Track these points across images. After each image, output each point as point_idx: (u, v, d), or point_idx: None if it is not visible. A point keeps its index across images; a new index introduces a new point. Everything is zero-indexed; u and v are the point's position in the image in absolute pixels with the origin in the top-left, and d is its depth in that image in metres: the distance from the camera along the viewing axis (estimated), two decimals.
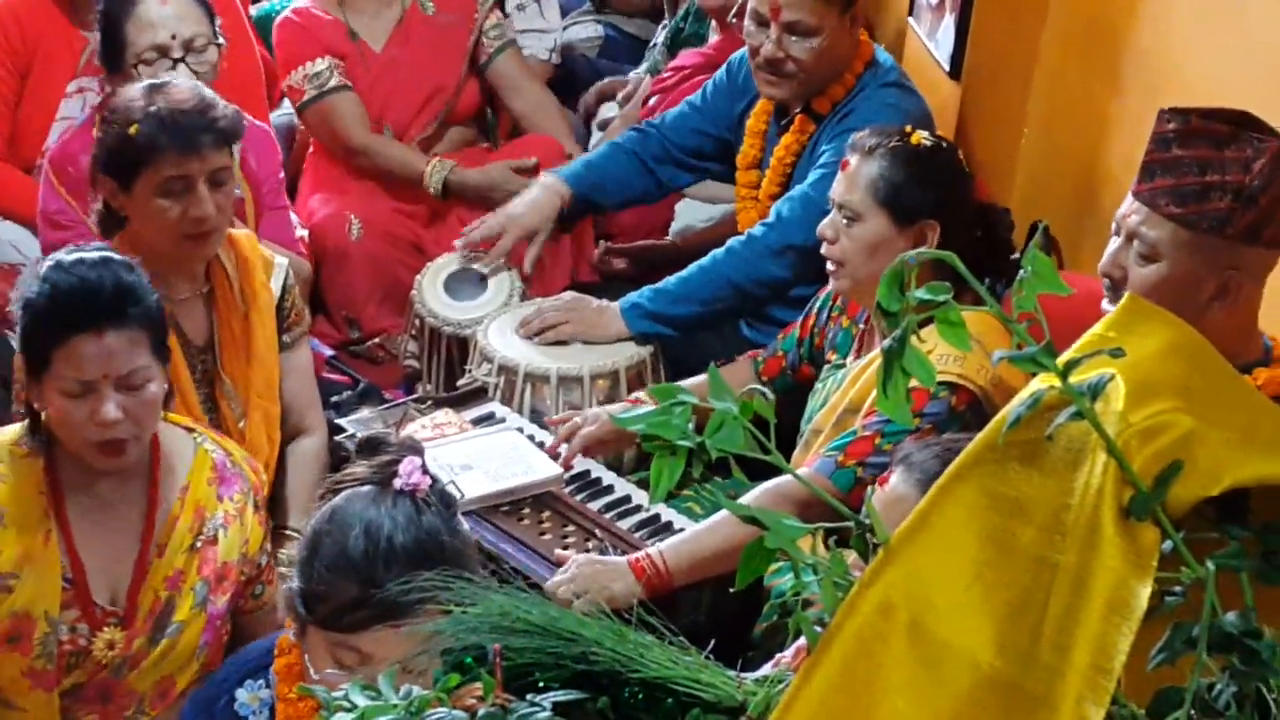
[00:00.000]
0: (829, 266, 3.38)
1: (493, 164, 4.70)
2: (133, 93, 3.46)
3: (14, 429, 3.02)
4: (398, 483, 2.45)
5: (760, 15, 3.90)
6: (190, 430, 3.13)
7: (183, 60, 3.90)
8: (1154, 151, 2.57)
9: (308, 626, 2.47)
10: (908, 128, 3.37)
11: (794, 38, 3.88)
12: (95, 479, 2.97)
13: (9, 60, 4.47)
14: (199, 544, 3.03)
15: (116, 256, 2.99)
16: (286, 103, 5.18)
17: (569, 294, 4.11)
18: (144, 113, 3.37)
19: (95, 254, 2.97)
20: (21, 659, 2.93)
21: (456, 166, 4.64)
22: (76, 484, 2.97)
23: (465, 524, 2.53)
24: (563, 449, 3.61)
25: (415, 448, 2.56)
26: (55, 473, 2.96)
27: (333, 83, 4.73)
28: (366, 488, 2.49)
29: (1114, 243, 2.66)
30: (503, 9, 4.96)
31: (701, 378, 3.65)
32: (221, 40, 4.03)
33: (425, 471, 2.48)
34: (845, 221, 3.32)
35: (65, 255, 2.96)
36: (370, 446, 2.60)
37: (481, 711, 1.60)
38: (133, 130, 3.35)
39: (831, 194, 3.37)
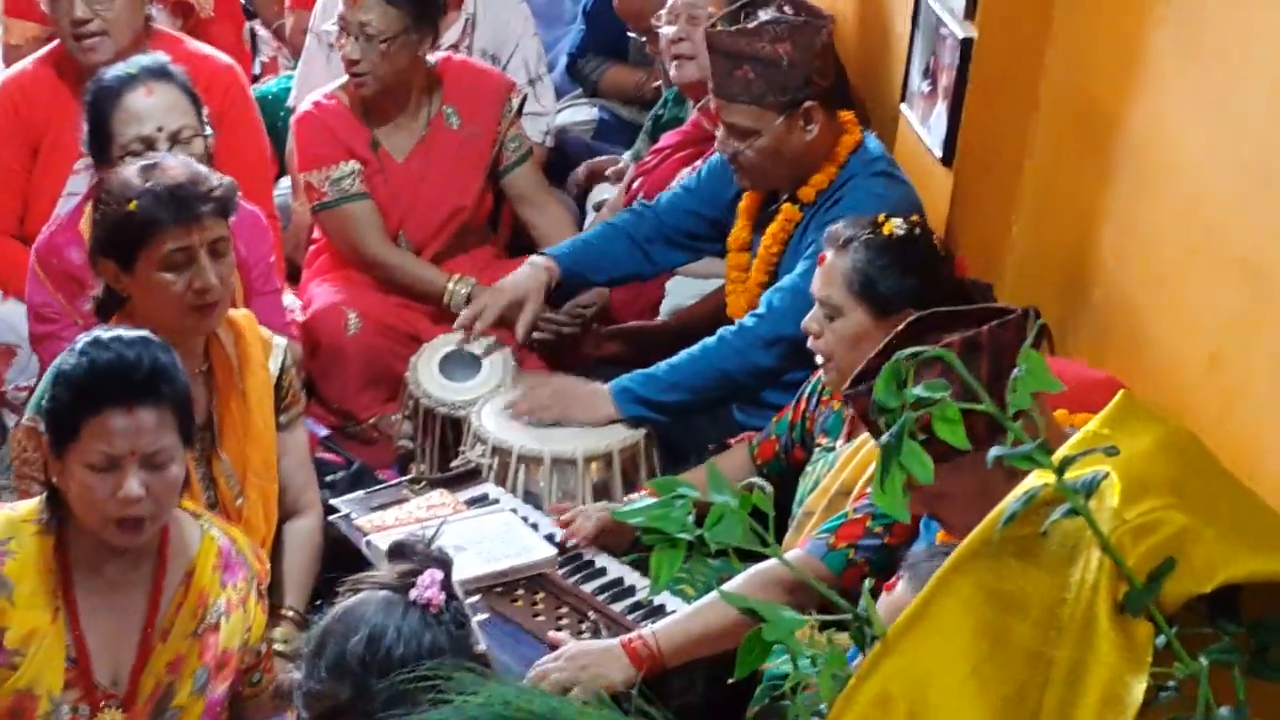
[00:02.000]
0: (817, 359, 3.40)
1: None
2: (126, 173, 3.49)
3: (29, 504, 3.02)
4: (413, 594, 2.43)
5: (714, 114, 3.96)
6: (197, 516, 3.14)
7: (169, 153, 3.91)
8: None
9: None
10: (880, 217, 3.37)
11: (734, 139, 3.92)
12: (104, 560, 2.97)
13: (19, 136, 4.50)
14: (201, 630, 3.03)
15: (154, 338, 3.02)
16: (285, 181, 5.20)
17: (557, 377, 4.13)
18: (141, 190, 3.40)
19: (132, 333, 3.00)
20: None
21: (478, 284, 4.59)
22: (86, 564, 2.97)
23: (476, 641, 2.50)
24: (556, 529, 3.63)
25: (443, 561, 2.52)
26: (66, 552, 2.96)
27: (354, 190, 4.70)
28: (383, 593, 2.48)
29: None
30: (519, 115, 4.96)
31: (701, 468, 3.67)
32: (209, 131, 4.02)
33: (445, 587, 2.46)
34: (827, 316, 3.34)
35: (103, 332, 2.99)
36: (398, 552, 2.57)
37: None
38: (132, 206, 3.38)
39: (812, 289, 3.39)
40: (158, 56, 4.10)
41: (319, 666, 2.43)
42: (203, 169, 3.52)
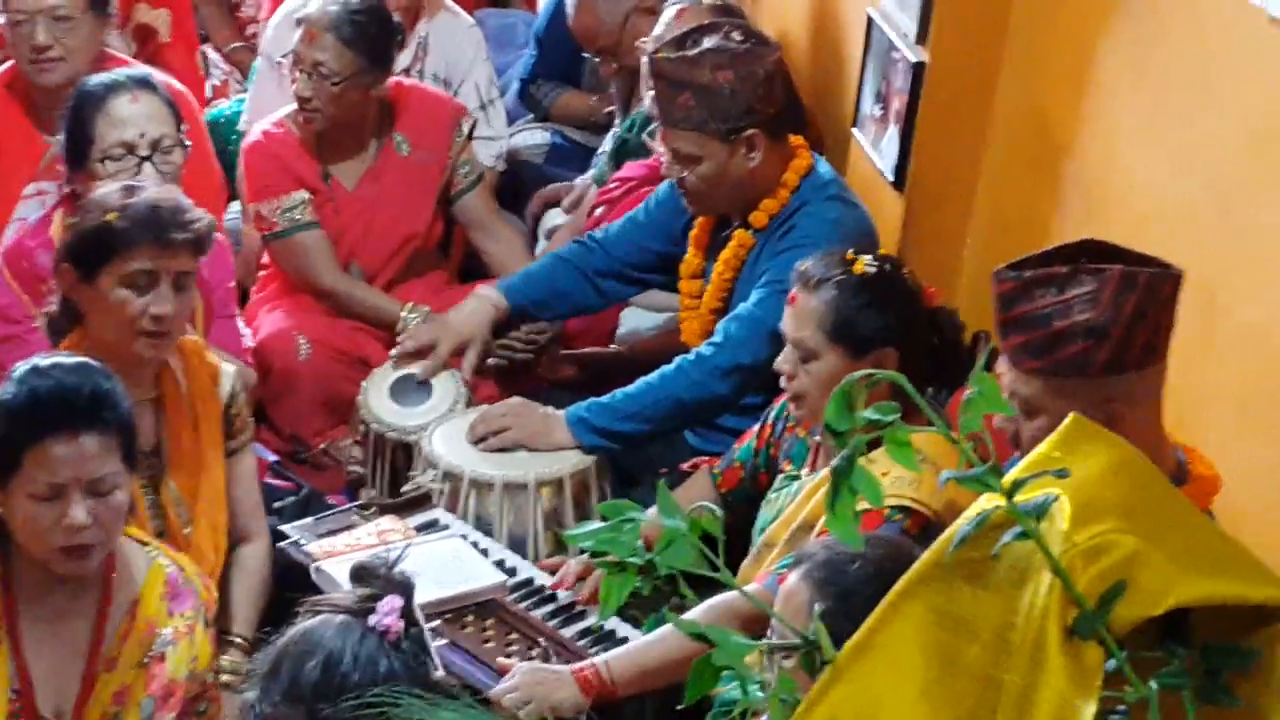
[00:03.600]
0: (789, 398, 3.38)
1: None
2: (110, 188, 3.51)
3: None
4: (372, 620, 2.42)
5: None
6: (144, 544, 3.11)
7: (149, 159, 3.91)
8: (1000, 312, 2.55)
9: None
10: (849, 254, 3.33)
11: (678, 165, 3.92)
12: (49, 589, 2.95)
13: None
14: (147, 660, 3.00)
15: (94, 363, 3.01)
16: (235, 205, 5.18)
17: (515, 399, 4.11)
18: (122, 204, 3.39)
19: (72, 360, 2.99)
20: None
21: (431, 312, 4.52)
22: (30, 593, 2.95)
23: (434, 666, 2.49)
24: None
25: (404, 585, 2.50)
26: (9, 581, 2.94)
27: (304, 219, 4.68)
28: (341, 616, 2.46)
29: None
30: (470, 140, 4.96)
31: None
32: (187, 143, 4.03)
33: (405, 614, 2.44)
34: (801, 359, 3.30)
35: (42, 360, 2.97)
36: (359, 575, 2.55)
37: None
38: (111, 217, 3.37)
39: (783, 328, 3.35)
40: (141, 68, 4.14)
41: (273, 690, 2.41)
42: (187, 201, 3.51)
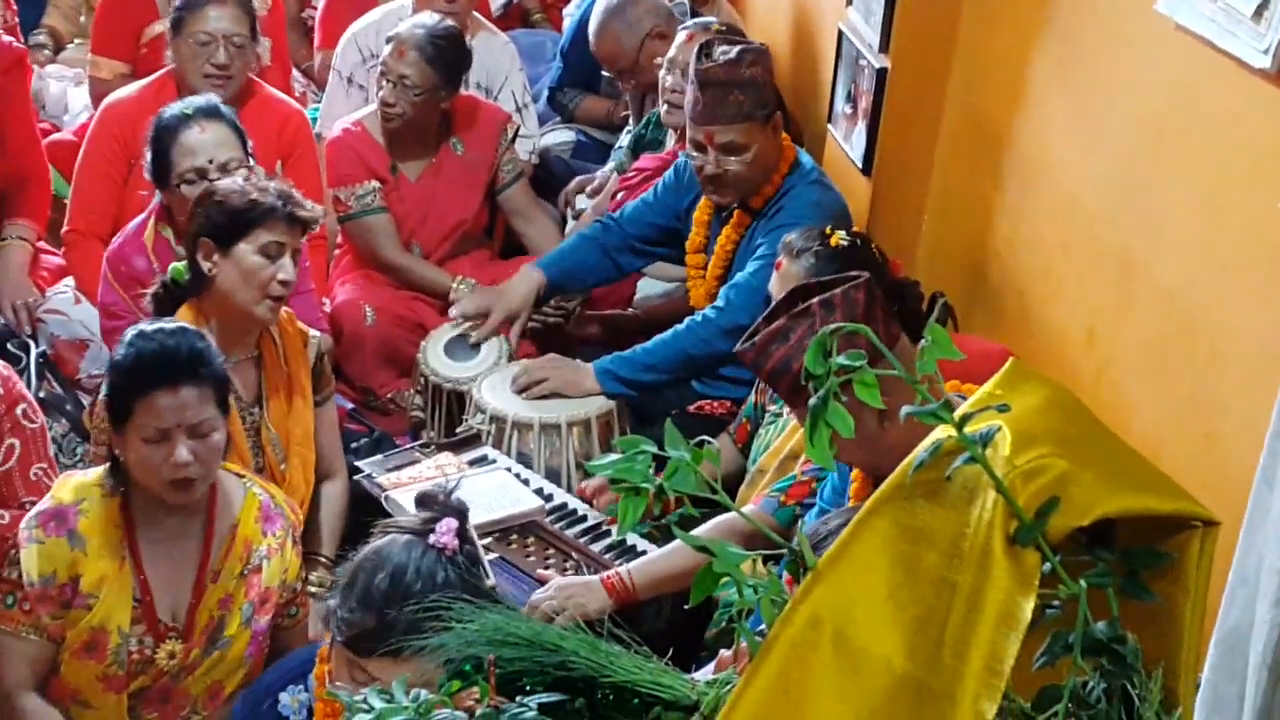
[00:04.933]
0: None
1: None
2: (233, 181, 3.53)
3: (96, 472, 3.00)
4: (432, 538, 2.43)
5: (698, 142, 3.90)
6: (241, 476, 3.12)
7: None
8: (760, 379, 2.54)
9: (335, 643, 2.46)
10: (827, 229, 3.34)
11: (730, 156, 3.88)
12: (163, 515, 2.96)
13: (120, 154, 4.45)
14: (246, 572, 3.01)
15: (190, 327, 3.03)
16: None
17: (551, 355, 4.11)
18: (260, 186, 3.45)
19: (171, 325, 3.00)
20: (97, 666, 2.92)
21: (477, 285, 4.57)
22: (147, 519, 2.95)
23: (486, 576, 2.49)
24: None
25: (460, 510, 2.51)
26: (129, 510, 2.95)
27: (375, 204, 4.69)
28: (406, 536, 2.46)
29: None
30: (513, 144, 4.95)
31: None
32: (252, 163, 3.97)
33: (460, 534, 2.45)
34: None
35: (147, 325, 2.99)
36: (422, 501, 2.57)
37: (479, 712, 1.60)
38: (256, 196, 3.40)
39: (770, 289, 3.36)
40: (210, 98, 4.06)
41: (350, 597, 2.42)
42: (298, 193, 3.52)
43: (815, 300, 2.45)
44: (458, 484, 2.65)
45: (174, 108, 3.98)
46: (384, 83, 4.61)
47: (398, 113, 4.62)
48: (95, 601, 2.89)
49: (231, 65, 4.51)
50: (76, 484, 2.96)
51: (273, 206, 3.40)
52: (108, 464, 2.98)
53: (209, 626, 2.98)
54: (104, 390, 3.01)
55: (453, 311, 4.35)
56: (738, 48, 3.84)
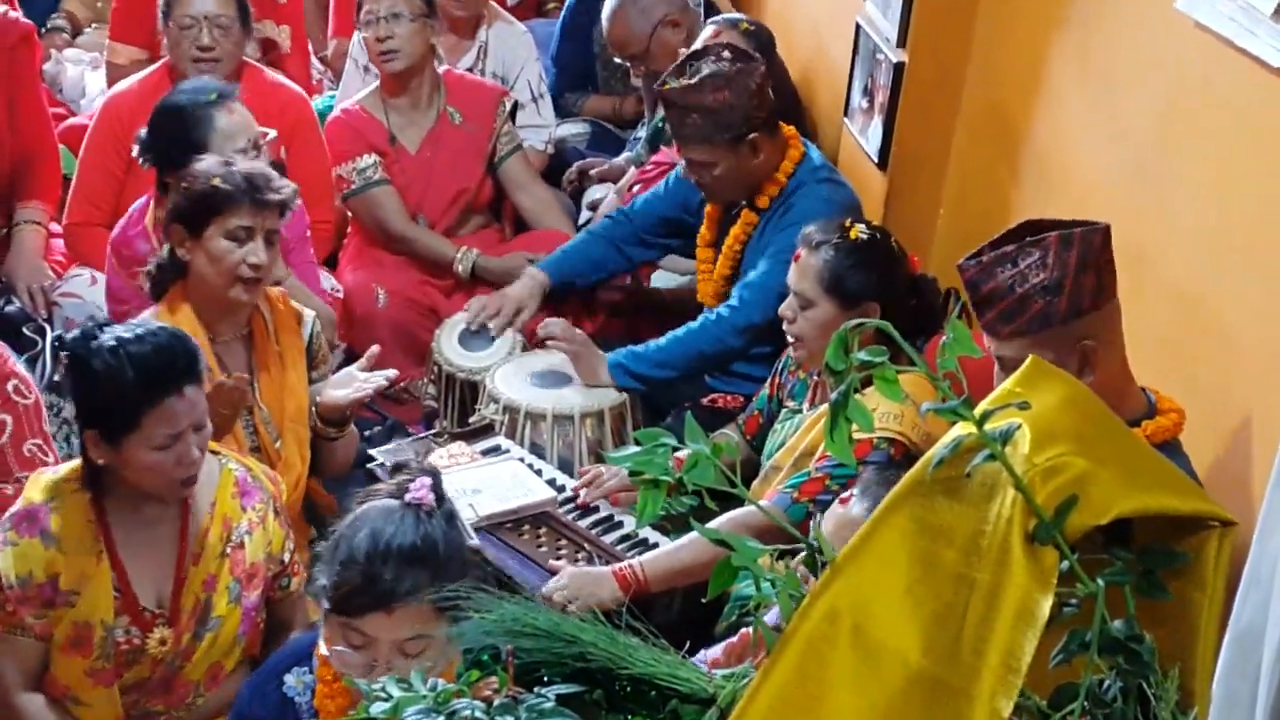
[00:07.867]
0: (790, 339, 3.38)
1: (511, 254, 4.70)
2: (209, 162, 3.50)
3: (65, 468, 2.98)
4: (407, 496, 2.51)
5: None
6: (216, 453, 3.10)
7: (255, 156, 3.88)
8: (971, 294, 2.55)
9: (327, 612, 2.51)
10: (847, 222, 3.34)
11: (695, 170, 3.90)
12: (139, 504, 2.94)
13: (122, 143, 4.46)
14: (228, 550, 3.00)
15: (167, 326, 3.01)
16: None
17: (583, 335, 4.10)
18: (225, 172, 3.43)
19: (148, 327, 2.93)
20: (83, 660, 2.91)
21: (481, 254, 4.64)
22: (122, 510, 2.94)
23: (467, 536, 2.55)
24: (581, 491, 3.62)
25: (432, 471, 2.59)
26: (101, 502, 2.93)
27: (376, 177, 4.72)
28: (383, 501, 2.53)
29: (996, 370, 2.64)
30: (512, 118, 4.97)
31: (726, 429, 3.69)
32: (270, 132, 4.00)
33: (434, 490, 2.52)
34: (800, 306, 3.32)
35: (124, 331, 2.89)
36: (398, 468, 2.66)
37: (497, 702, 1.61)
38: (217, 182, 3.39)
39: (789, 281, 3.36)
40: (217, 82, 4.03)
41: (335, 561, 2.48)
42: (274, 173, 3.52)
43: (1055, 234, 2.47)
44: (429, 450, 2.66)
45: (189, 93, 3.92)
46: (374, 28, 4.66)
47: (395, 48, 4.66)
48: (76, 598, 2.88)
49: (217, 47, 4.50)
50: (47, 482, 2.95)
51: (235, 191, 3.39)
52: (80, 460, 2.95)
53: (196, 609, 2.97)
54: (89, 411, 2.89)
55: (468, 311, 4.35)
56: (707, 72, 3.78)
